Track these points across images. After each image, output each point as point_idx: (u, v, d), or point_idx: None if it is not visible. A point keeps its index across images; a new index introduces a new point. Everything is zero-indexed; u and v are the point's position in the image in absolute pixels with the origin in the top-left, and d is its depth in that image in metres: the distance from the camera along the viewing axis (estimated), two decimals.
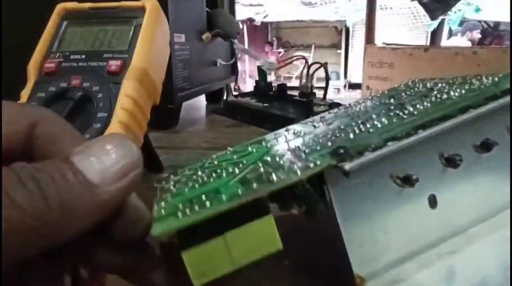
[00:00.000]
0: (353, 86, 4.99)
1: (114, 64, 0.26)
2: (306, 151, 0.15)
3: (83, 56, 0.28)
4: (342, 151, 0.13)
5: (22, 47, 0.29)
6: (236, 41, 0.70)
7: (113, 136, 0.11)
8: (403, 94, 0.24)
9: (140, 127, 0.27)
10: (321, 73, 0.58)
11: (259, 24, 5.22)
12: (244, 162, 0.17)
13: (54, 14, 0.30)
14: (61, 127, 0.13)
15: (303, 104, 0.52)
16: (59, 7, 0.30)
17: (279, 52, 5.25)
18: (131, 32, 0.28)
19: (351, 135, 0.15)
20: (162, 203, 0.13)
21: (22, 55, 0.28)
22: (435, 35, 4.80)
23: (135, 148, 0.12)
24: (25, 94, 0.26)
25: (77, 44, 0.28)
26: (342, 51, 5.41)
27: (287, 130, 0.23)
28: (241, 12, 4.65)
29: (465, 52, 1.00)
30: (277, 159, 0.15)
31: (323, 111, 0.51)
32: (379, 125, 0.16)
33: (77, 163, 0.10)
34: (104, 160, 0.10)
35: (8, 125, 0.11)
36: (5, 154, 0.11)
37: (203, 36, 0.58)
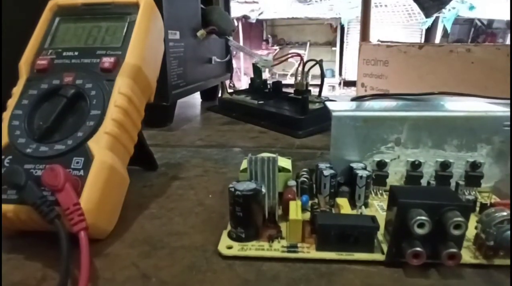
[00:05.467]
0: (348, 83, 5.01)
1: (107, 61, 0.26)
2: None
3: (76, 53, 0.27)
4: None
5: (13, 44, 0.29)
6: (231, 38, 0.70)
7: None
8: None
9: (134, 125, 0.27)
10: (316, 70, 0.58)
11: (254, 21, 5.21)
12: None
13: (46, 10, 0.29)
14: None
15: (298, 102, 0.52)
16: (52, 3, 0.29)
17: (274, 50, 5.24)
18: (125, 29, 0.28)
19: None
20: None
21: (13, 52, 0.28)
22: (430, 32, 4.82)
23: None
24: (16, 91, 0.26)
25: (69, 41, 0.28)
26: (337, 48, 5.42)
27: None
28: (236, 10, 4.63)
29: (459, 50, 1.00)
30: None
31: (318, 109, 0.52)
32: None
33: None
34: None
35: None
36: None
37: (198, 33, 0.58)
